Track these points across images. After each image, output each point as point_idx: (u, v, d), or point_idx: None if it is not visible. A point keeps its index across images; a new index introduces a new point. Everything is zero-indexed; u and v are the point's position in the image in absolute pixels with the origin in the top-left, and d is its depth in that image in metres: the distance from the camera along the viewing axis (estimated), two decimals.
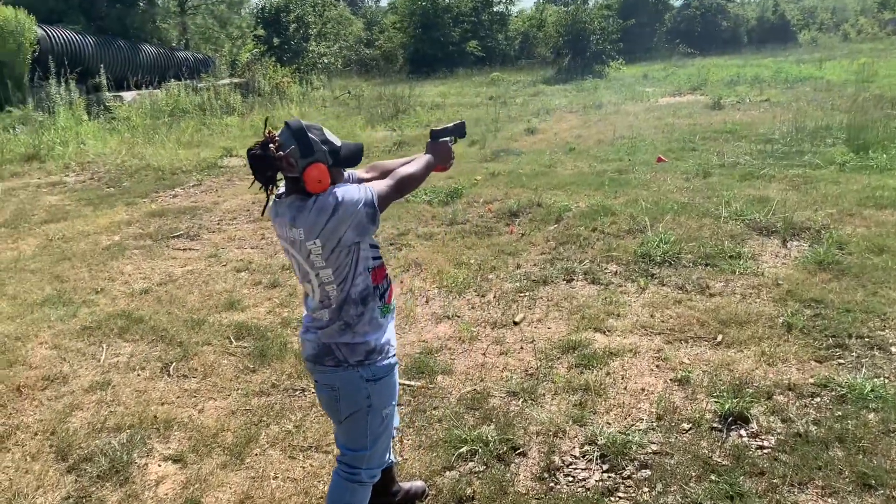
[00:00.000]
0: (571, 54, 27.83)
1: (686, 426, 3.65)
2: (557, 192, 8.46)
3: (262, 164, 2.35)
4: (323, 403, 2.73)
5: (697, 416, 3.72)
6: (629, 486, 3.20)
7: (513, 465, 3.43)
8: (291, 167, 2.35)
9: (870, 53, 28.33)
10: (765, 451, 3.37)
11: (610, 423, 3.73)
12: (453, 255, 6.61)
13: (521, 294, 5.57)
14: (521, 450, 3.54)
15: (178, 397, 4.29)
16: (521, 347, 4.69)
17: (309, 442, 3.74)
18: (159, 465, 3.60)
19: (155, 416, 4.03)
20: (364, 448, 2.63)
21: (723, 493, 3.07)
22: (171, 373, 4.59)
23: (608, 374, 4.26)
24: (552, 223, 7.32)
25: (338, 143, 2.47)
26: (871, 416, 3.55)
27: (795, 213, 6.89)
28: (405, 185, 2.60)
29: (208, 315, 5.49)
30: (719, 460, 3.32)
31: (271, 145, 2.34)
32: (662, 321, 4.95)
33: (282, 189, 2.53)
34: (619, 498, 3.13)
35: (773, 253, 6.13)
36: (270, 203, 2.54)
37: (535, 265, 6.20)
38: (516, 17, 42.47)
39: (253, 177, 2.40)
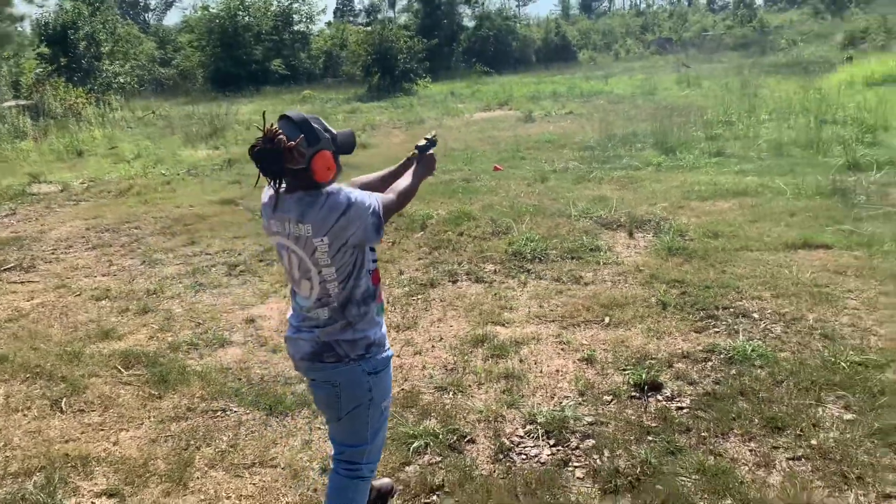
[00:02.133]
0: (381, 73, 28.31)
1: (608, 398, 3.98)
2: (414, 202, 8.65)
3: (271, 157, 2.29)
4: (320, 402, 2.70)
5: (614, 388, 4.07)
6: (580, 456, 3.45)
7: (466, 451, 3.56)
8: (301, 156, 2.30)
9: (642, 70, 31.58)
10: (684, 410, 3.77)
11: (540, 403, 3.97)
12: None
13: (414, 297, 5.70)
14: (469, 437, 3.67)
15: (83, 432, 3.94)
16: (433, 346, 4.82)
17: (250, 459, 3.61)
18: (93, 503, 3.31)
19: (66, 455, 3.68)
20: (364, 442, 2.63)
21: (664, 449, 3.41)
22: (65, 409, 4.20)
23: (521, 360, 4.52)
24: (418, 230, 7.52)
25: (335, 130, 2.47)
26: (759, 371, 4.09)
27: (635, 209, 7.63)
28: (405, 200, 2.64)
29: (83, 347, 5.06)
30: (650, 423, 3.67)
31: (280, 136, 2.28)
32: (552, 310, 5.30)
33: (269, 189, 2.50)
34: (575, 467, 3.37)
35: (624, 244, 6.75)
36: (265, 200, 2.50)
37: (417, 270, 6.36)
38: (318, 36, 42.48)
39: (261, 173, 2.36)
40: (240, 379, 4.51)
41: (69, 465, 3.60)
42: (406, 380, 4.36)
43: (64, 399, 4.31)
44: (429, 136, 2.95)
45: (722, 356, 4.33)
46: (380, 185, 2.81)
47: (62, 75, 23.51)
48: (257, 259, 7.01)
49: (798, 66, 26.28)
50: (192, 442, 3.78)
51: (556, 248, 6.62)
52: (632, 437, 3.55)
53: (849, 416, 3.58)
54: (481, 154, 12.18)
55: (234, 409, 4.12)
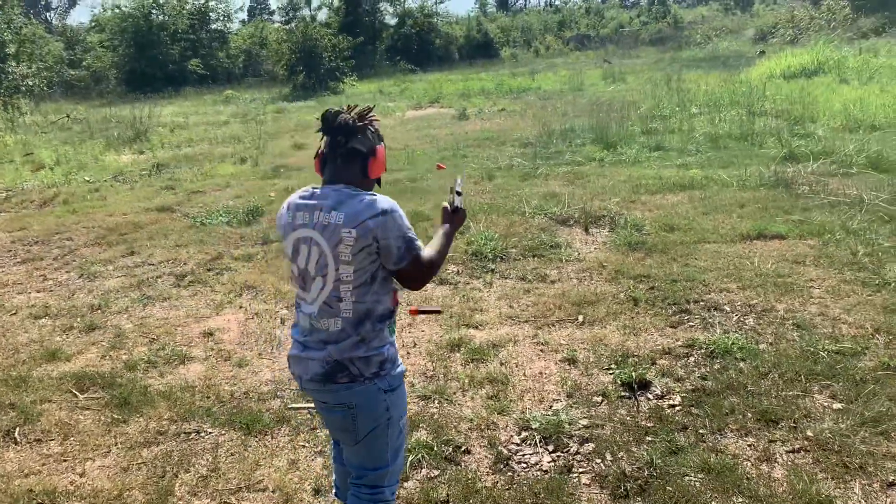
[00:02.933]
0: (306, 71, 27.80)
1: (597, 399, 3.93)
2: None
3: (351, 128, 2.31)
4: (334, 426, 2.52)
5: (602, 388, 4.02)
6: (582, 461, 3.37)
7: (463, 462, 3.43)
8: (369, 141, 2.34)
9: (565, 66, 32.05)
10: (676, 408, 3.75)
11: (530, 408, 3.88)
12: (283, 274, 6.34)
13: None
14: (465, 447, 3.55)
15: (44, 464, 3.62)
16: (408, 353, 4.67)
17: (235, 483, 3.39)
18: None
19: (30, 490, 3.37)
20: (385, 464, 2.48)
21: (665, 449, 3.37)
22: (19, 439, 3.86)
23: (502, 363, 4.42)
24: None
25: None
26: (742, 364, 4.11)
27: (587, 205, 7.65)
28: (433, 272, 2.45)
29: (29, 370, 4.69)
30: (645, 423, 3.63)
31: (371, 114, 2.36)
32: (523, 310, 5.23)
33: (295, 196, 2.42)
34: (580, 473, 3.29)
35: (581, 240, 6.75)
36: (294, 200, 2.38)
37: None
38: (236, 34, 41.43)
39: (327, 134, 2.35)
40: (208, 397, 4.26)
41: (35, 500, 3.30)
42: None
43: (17, 428, 3.96)
44: (456, 184, 2.69)
45: (703, 351, 4.34)
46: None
47: None
48: (205, 268, 6.69)
49: (716, 61, 27.19)
50: (168, 468, 3.53)
51: (516, 246, 6.56)
52: (631, 439, 3.50)
53: (837, 406, 3.62)
54: (422, 153, 12.04)
55: (209, 430, 3.88)
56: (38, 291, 6.35)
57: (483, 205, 7.97)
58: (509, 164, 10.46)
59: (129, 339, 5.21)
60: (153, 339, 5.19)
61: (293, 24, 34.40)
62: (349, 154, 2.32)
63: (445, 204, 2.65)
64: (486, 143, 12.56)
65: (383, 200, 2.28)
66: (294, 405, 4.09)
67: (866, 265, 5.40)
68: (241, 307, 5.72)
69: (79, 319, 5.56)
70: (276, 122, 18.21)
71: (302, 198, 2.36)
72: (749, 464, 3.24)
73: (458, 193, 2.66)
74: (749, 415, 3.60)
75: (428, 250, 2.40)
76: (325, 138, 2.37)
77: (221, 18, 39.59)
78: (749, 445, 3.38)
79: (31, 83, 25.61)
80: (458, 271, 6.11)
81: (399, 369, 2.47)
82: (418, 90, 24.91)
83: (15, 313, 5.81)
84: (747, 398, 3.75)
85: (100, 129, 17.35)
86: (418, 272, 2.35)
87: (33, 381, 4.53)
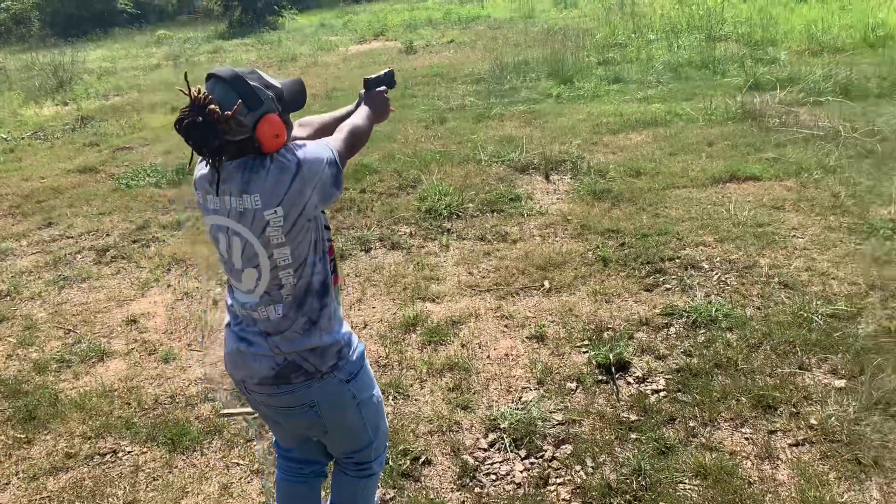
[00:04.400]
0: (242, 6, 26.24)
1: (572, 385, 3.49)
2: None
3: (204, 131, 1.76)
4: (297, 427, 2.23)
5: (576, 371, 3.58)
6: (559, 469, 2.94)
7: (423, 478, 2.98)
8: (241, 126, 1.81)
9: None
10: (661, 394, 3.33)
11: (497, 400, 3.43)
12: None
13: None
14: (424, 457, 3.09)
15: None
16: (359, 336, 4.14)
17: None
18: None
19: None
20: (368, 442, 2.27)
21: (653, 450, 2.95)
22: None
23: (463, 345, 3.95)
24: None
25: (278, 84, 1.95)
26: (729, 335, 3.70)
27: (546, 149, 7.10)
28: (358, 142, 2.16)
29: None
30: (627, 415, 3.20)
31: (211, 106, 1.75)
32: (483, 277, 4.74)
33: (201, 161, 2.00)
34: (558, 484, 2.86)
35: (543, 190, 6.24)
36: (202, 171, 1.98)
37: None
38: None
39: (196, 151, 1.82)
40: (129, 404, 3.71)
41: None
42: None
43: None
44: (381, 72, 2.43)
45: (684, 320, 3.91)
46: (334, 127, 2.26)
47: None
48: (130, 240, 6.03)
49: None
50: (77, 503, 3.01)
51: (473, 200, 6.02)
52: (613, 438, 3.07)
53: (839, 384, 3.24)
54: None
55: (128, 449, 3.35)
56: None
57: (435, 153, 7.37)
58: (461, 103, 9.80)
59: (42, 331, 4.61)
60: (68, 330, 4.60)
61: None
62: (228, 144, 1.82)
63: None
64: (435, 81, 11.82)
65: (288, 153, 1.88)
66: (227, 411, 3.57)
67: (850, 209, 5.00)
68: (168, 286, 5.13)
69: None
70: (212, 62, 17.08)
71: (207, 171, 1.95)
72: (749, 463, 2.84)
73: (383, 78, 2.42)
74: (743, 399, 3.20)
75: (340, 134, 2.11)
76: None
77: None
78: (747, 439, 2.98)
79: None
80: (411, 233, 5.57)
81: (358, 351, 2.14)
82: (362, 22, 23.70)
83: None
84: (739, 378, 3.35)
85: (20, 79, 16.09)
86: (347, 157, 2.08)
87: None
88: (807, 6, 13.88)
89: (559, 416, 3.25)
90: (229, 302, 2.13)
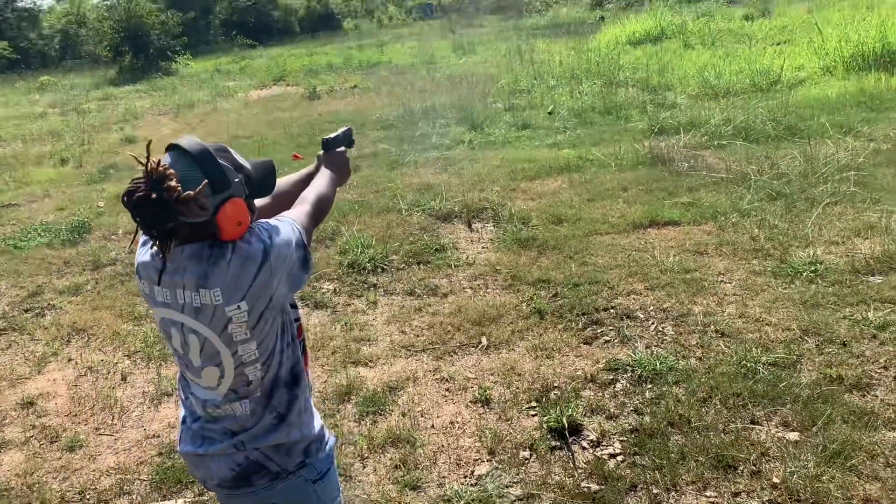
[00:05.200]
0: (132, 52, 25.39)
1: (525, 453, 3.32)
2: None
3: (158, 210, 1.52)
4: None
5: (527, 438, 3.41)
6: None
7: None
8: (202, 209, 1.57)
9: (412, 37, 31.27)
10: (619, 458, 3.20)
11: (448, 476, 3.21)
12: (122, 309, 5.30)
13: None
14: None
15: None
16: None
17: None
18: None
19: None
20: None
21: None
22: None
23: (403, 414, 3.72)
24: None
25: (248, 165, 1.74)
26: (676, 389, 3.63)
27: (465, 196, 7.02)
28: (322, 212, 1.97)
29: None
30: (588, 485, 3.05)
31: (171, 182, 1.52)
32: (417, 335, 4.54)
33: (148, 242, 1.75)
34: None
35: (466, 239, 6.14)
36: (144, 258, 1.72)
37: None
38: (48, 13, 37.46)
39: (143, 231, 1.59)
40: None
41: None
42: None
43: None
44: (339, 131, 2.30)
45: (629, 374, 3.83)
46: (294, 193, 2.05)
47: None
48: (21, 308, 5.50)
49: (559, 28, 27.35)
50: None
51: (398, 252, 5.84)
52: None
53: (793, 436, 3.20)
54: (273, 141, 10.98)
55: None
56: None
57: (353, 203, 7.16)
58: (373, 150, 9.66)
59: None
60: None
61: (114, 0, 31.30)
62: (182, 226, 1.59)
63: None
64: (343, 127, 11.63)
65: (252, 239, 1.67)
66: None
67: (770, 251, 5.12)
68: (69, 360, 4.67)
69: None
70: (102, 111, 16.33)
71: (151, 258, 1.70)
72: None
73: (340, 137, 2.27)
74: (702, 459, 3.11)
75: (303, 205, 1.91)
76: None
77: None
78: (712, 503, 2.89)
79: None
80: (335, 290, 5.31)
81: (328, 446, 1.91)
82: (260, 67, 23.40)
83: None
84: (694, 436, 3.27)
85: None
86: (312, 230, 1.87)
87: None
88: (695, 52, 14.62)
89: (517, 491, 3.07)
90: (183, 396, 1.87)
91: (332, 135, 2.24)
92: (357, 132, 9.87)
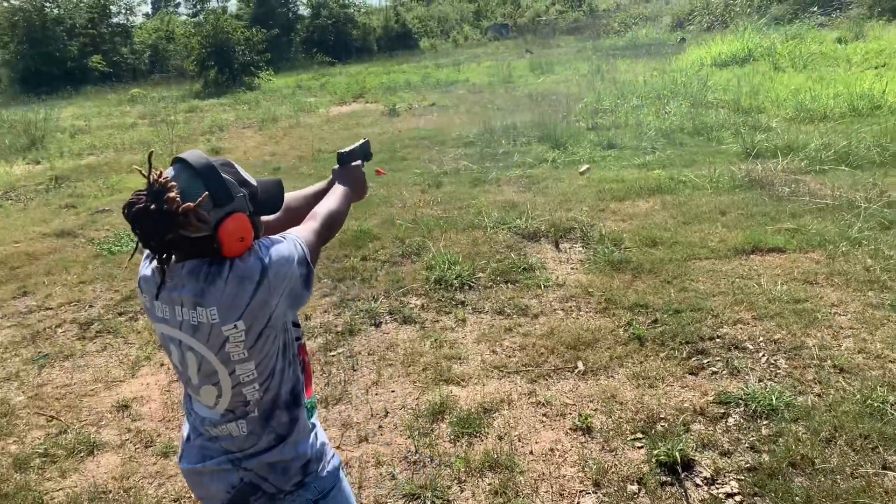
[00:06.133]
0: (218, 67, 26.15)
1: (633, 487, 3.13)
2: None
3: (157, 222, 1.51)
4: None
5: (635, 471, 3.22)
6: None
7: None
8: (203, 222, 1.55)
9: (487, 57, 31.34)
10: (737, 498, 2.98)
11: None
12: None
13: (333, 352, 4.60)
14: None
15: None
16: (380, 427, 3.76)
17: None
18: None
19: None
20: None
21: None
22: None
23: (500, 437, 3.57)
24: None
25: (253, 182, 1.73)
26: (795, 426, 3.38)
27: (552, 215, 6.86)
28: (332, 228, 1.92)
29: None
30: None
31: (171, 194, 1.52)
32: (509, 356, 4.39)
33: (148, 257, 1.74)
34: None
35: (555, 259, 5.96)
36: (146, 272, 1.71)
37: (326, 311, 5.23)
38: (140, 28, 39.05)
39: (142, 243, 1.57)
40: None
41: None
42: (360, 487, 3.29)
43: None
44: (355, 144, 2.24)
45: (742, 409, 3.59)
46: (306, 208, 2.02)
47: None
48: (116, 311, 5.59)
49: (638, 49, 26.95)
50: None
51: (484, 270, 5.71)
52: None
53: None
54: None
55: None
56: None
57: (437, 219, 7.08)
58: (455, 167, 9.59)
59: (21, 418, 4.14)
60: (52, 417, 4.12)
61: (201, 17, 32.42)
62: (181, 240, 1.57)
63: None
64: (423, 144, 11.65)
65: (250, 256, 1.62)
66: None
67: (886, 283, 4.79)
68: (161, 364, 4.69)
69: None
70: (189, 122, 16.79)
71: (151, 273, 1.69)
72: None
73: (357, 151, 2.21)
74: None
75: (312, 222, 1.85)
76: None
77: (123, 11, 37.29)
78: None
79: None
80: (423, 305, 5.22)
81: (331, 466, 1.85)
82: (340, 84, 23.72)
83: None
84: (819, 479, 3.02)
85: None
86: (319, 248, 1.82)
87: None
88: (786, 75, 14.11)
89: None
90: (187, 412, 1.83)
91: (349, 148, 2.17)
92: (436, 149, 9.83)
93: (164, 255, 1.57)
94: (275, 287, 1.62)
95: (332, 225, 1.90)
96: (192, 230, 1.54)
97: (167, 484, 3.44)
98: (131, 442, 3.83)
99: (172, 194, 1.51)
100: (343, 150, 2.17)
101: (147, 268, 1.71)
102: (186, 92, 25.27)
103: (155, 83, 30.88)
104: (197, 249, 1.60)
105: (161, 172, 1.55)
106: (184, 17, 46.31)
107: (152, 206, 1.51)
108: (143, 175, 1.57)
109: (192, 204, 1.52)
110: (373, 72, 27.97)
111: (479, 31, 56.16)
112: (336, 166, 2.16)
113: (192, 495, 3.32)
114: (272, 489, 1.73)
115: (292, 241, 1.71)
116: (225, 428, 1.72)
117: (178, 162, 1.61)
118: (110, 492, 3.39)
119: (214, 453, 1.75)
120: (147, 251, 1.72)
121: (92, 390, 4.42)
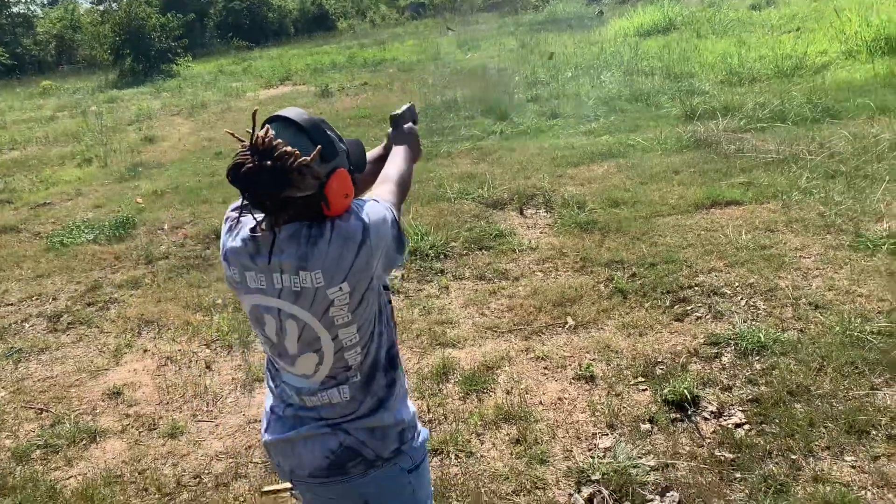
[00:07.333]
0: (134, 55, 25.19)
1: (646, 426, 3.28)
2: None
3: (273, 179, 1.45)
4: None
5: (644, 412, 3.37)
6: None
7: None
8: (314, 179, 1.49)
9: (409, 36, 31.16)
10: (745, 427, 3.17)
11: (571, 450, 3.17)
12: (188, 301, 5.23)
13: None
14: None
15: None
16: None
17: None
18: None
19: None
20: None
21: (768, 491, 2.77)
22: None
23: (507, 392, 3.68)
24: None
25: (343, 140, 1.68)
26: (785, 359, 3.60)
27: (513, 183, 6.99)
28: (405, 189, 1.88)
29: None
30: (722, 454, 3.02)
31: (287, 148, 1.46)
32: (499, 318, 4.50)
33: (241, 221, 1.66)
34: None
35: (522, 224, 6.10)
36: (234, 244, 1.63)
37: None
38: (43, 18, 37.18)
39: (254, 204, 1.50)
40: (146, 490, 3.22)
41: None
42: None
43: None
44: (404, 107, 2.17)
45: (733, 348, 3.79)
46: (369, 174, 1.97)
47: None
48: (84, 302, 5.42)
49: (559, 23, 27.30)
50: None
51: (457, 239, 5.79)
52: (717, 479, 2.87)
53: None
54: None
55: None
56: None
57: None
58: None
59: (8, 413, 4.00)
60: (41, 409, 4.00)
61: (108, 4, 31.13)
62: (286, 206, 1.52)
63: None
64: (365, 122, 11.59)
65: (350, 217, 1.57)
66: (269, 488, 3.14)
67: (842, 227, 5.10)
68: (145, 350, 4.60)
69: None
70: (112, 112, 16.17)
71: (243, 244, 1.61)
72: (871, 494, 2.70)
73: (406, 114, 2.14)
74: (832, 426, 3.08)
75: (388, 184, 1.81)
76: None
77: (24, 1, 35.42)
78: (854, 467, 2.85)
79: None
80: (403, 276, 5.26)
81: (422, 437, 1.82)
82: (264, 67, 23.23)
83: None
84: (817, 403, 3.23)
85: None
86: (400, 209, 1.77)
87: None
88: (709, 41, 14.62)
89: (650, 461, 3.02)
90: (273, 384, 1.79)
91: (399, 111, 2.13)
92: (381, 128, 9.82)
93: (280, 215, 1.51)
94: (375, 247, 1.58)
95: (405, 186, 1.87)
96: (303, 187, 1.48)
97: (181, 463, 3.40)
98: (133, 427, 3.76)
99: (289, 149, 1.46)
100: (395, 113, 2.12)
101: (235, 238, 1.63)
102: (102, 82, 24.28)
103: (64, 74, 29.57)
104: (301, 211, 1.54)
105: (267, 130, 1.49)
106: (87, 6, 44.25)
107: (267, 163, 1.44)
108: (236, 137, 1.53)
109: (307, 158, 1.47)
110: (295, 54, 27.46)
111: (396, 10, 55.72)
112: (390, 130, 2.11)
113: (217, 471, 3.30)
114: (371, 455, 1.69)
115: (384, 204, 1.67)
116: (325, 395, 1.68)
117: (276, 120, 1.56)
118: (123, 475, 3.34)
119: (311, 422, 1.70)
120: (228, 224, 1.66)
121: (77, 381, 4.29)
